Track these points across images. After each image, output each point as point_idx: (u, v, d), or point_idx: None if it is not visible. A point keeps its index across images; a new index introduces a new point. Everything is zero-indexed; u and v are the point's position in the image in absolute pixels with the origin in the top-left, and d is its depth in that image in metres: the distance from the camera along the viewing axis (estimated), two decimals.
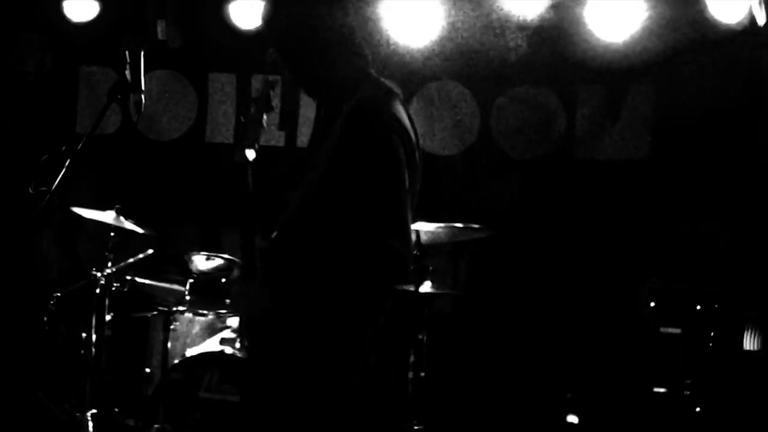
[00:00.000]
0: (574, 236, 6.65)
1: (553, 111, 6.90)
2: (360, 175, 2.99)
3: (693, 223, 6.49)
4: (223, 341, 5.38)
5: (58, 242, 7.03)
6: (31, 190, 3.34)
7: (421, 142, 3.22)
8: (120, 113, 6.82)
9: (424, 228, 5.47)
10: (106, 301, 5.68)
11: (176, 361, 5.43)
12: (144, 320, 5.82)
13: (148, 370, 5.69)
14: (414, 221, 3.16)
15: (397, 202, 2.99)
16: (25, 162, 6.70)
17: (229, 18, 6.82)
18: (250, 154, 3.17)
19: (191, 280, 5.70)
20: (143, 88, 3.37)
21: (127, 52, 3.37)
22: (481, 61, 6.83)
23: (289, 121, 7.03)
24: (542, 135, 6.91)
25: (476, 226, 5.75)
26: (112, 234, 5.78)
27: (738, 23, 6.25)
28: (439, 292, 5.77)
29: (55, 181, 3.25)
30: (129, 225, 5.81)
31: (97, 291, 5.67)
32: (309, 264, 3.03)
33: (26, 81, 7.12)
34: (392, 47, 6.70)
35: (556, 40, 6.68)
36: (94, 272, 5.70)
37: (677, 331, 5.81)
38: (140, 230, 5.89)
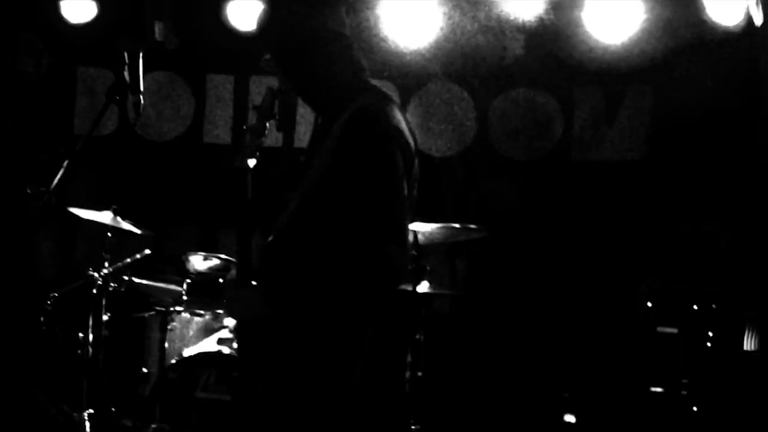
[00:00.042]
0: (572, 237, 6.66)
1: (550, 112, 6.91)
2: (358, 181, 2.99)
3: (690, 224, 6.50)
4: (220, 341, 5.38)
5: (55, 242, 7.03)
6: (29, 191, 3.34)
7: (418, 148, 3.22)
8: (117, 114, 6.83)
9: (421, 228, 5.48)
10: (103, 301, 5.67)
11: (173, 361, 5.42)
12: (141, 320, 5.81)
13: (145, 370, 5.68)
14: (412, 222, 3.16)
15: (394, 209, 3.00)
16: (23, 162, 6.71)
17: (226, 19, 6.82)
18: (251, 162, 3.18)
19: (188, 281, 5.69)
20: (142, 89, 3.36)
21: (125, 53, 3.36)
22: (479, 63, 6.84)
23: (286, 122, 7.01)
24: (540, 136, 6.92)
25: (474, 226, 5.77)
26: (109, 234, 5.78)
27: (735, 24, 6.26)
28: (436, 292, 5.79)
29: (53, 182, 3.24)
30: (126, 225, 5.81)
31: (94, 291, 5.66)
32: (305, 267, 3.03)
33: (24, 82, 7.11)
34: (390, 49, 6.70)
35: (553, 41, 6.69)
36: (91, 272, 5.69)
37: (674, 330, 5.82)
38: (137, 230, 5.89)
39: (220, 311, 5.63)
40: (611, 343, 6.33)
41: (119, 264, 5.79)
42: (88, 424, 5.47)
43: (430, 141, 6.97)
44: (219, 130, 7.19)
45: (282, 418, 3.03)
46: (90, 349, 5.61)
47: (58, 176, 3.25)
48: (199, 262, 5.80)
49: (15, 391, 5.74)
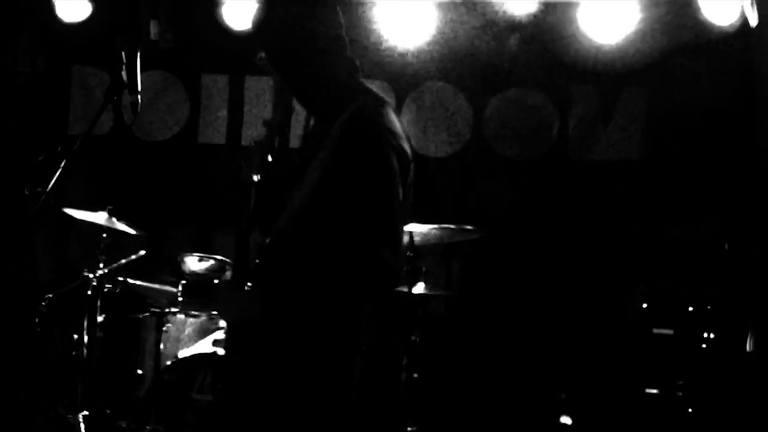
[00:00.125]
0: (568, 237, 6.66)
1: (546, 112, 6.91)
2: (355, 183, 2.98)
3: (686, 224, 6.51)
4: (215, 342, 5.37)
5: (50, 243, 7.01)
6: (27, 192, 3.32)
7: (414, 151, 3.21)
8: (112, 114, 6.81)
9: (417, 229, 5.47)
10: (98, 303, 5.65)
11: (169, 363, 5.41)
12: (136, 321, 5.79)
13: (140, 371, 5.66)
14: (408, 224, 3.16)
15: (389, 213, 2.99)
16: (18, 162, 6.68)
17: (221, 19, 6.80)
18: (256, 177, 3.16)
19: (184, 282, 5.69)
20: (140, 89, 3.35)
21: (123, 53, 3.34)
22: (474, 63, 6.84)
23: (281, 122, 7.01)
24: (536, 136, 6.92)
25: (469, 227, 5.76)
26: (104, 235, 5.76)
27: (730, 25, 6.27)
28: (432, 293, 5.78)
29: (50, 183, 3.22)
30: (121, 226, 5.79)
31: (89, 292, 5.64)
32: (302, 268, 3.02)
33: (19, 81, 7.09)
34: (386, 49, 6.69)
35: (549, 41, 6.69)
36: (86, 273, 5.67)
37: (670, 332, 5.82)
38: (132, 231, 5.87)
39: (216, 312, 5.62)
40: (607, 344, 6.34)
41: (114, 265, 5.77)
42: (83, 425, 5.44)
43: (426, 141, 6.96)
44: (214, 131, 7.17)
45: (277, 420, 3.02)
46: (85, 351, 5.59)
47: (55, 177, 3.23)
48: (194, 264, 5.79)
49: (10, 392, 5.71)
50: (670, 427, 5.72)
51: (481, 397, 6.53)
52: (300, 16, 3.13)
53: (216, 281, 5.69)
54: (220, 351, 5.23)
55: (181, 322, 5.64)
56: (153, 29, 6.65)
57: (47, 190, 3.23)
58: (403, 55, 6.79)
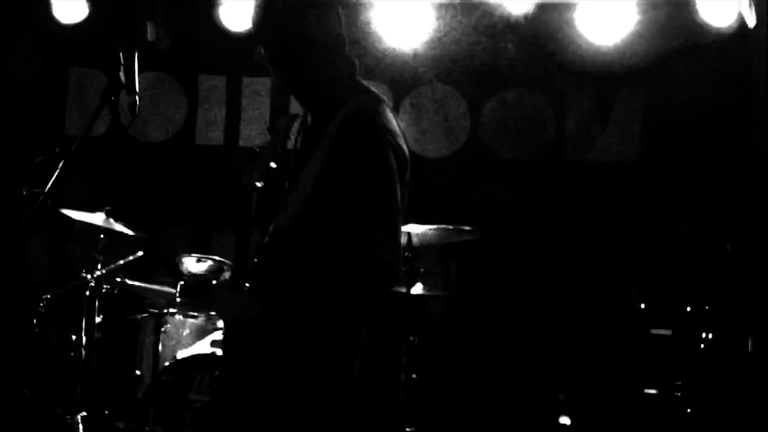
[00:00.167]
0: (566, 238, 6.66)
1: (543, 113, 6.91)
2: (353, 182, 2.98)
3: (683, 225, 6.51)
4: (213, 343, 5.36)
5: (47, 244, 7.00)
6: (25, 192, 3.31)
7: (411, 151, 3.21)
8: (109, 115, 6.80)
9: (415, 230, 5.47)
10: (96, 303, 5.64)
11: (167, 364, 5.41)
12: (134, 322, 5.79)
13: (138, 372, 5.65)
14: (405, 223, 3.16)
15: (388, 212, 2.99)
16: (15, 163, 6.67)
17: (218, 19, 6.79)
18: (259, 183, 3.16)
19: (182, 282, 5.68)
20: (138, 89, 3.34)
21: (120, 54, 3.33)
22: (472, 64, 6.83)
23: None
24: (533, 137, 6.92)
25: (467, 228, 5.76)
26: (102, 236, 5.75)
27: (728, 26, 6.27)
28: (430, 294, 5.78)
29: (47, 183, 3.22)
30: (119, 227, 5.78)
31: (87, 293, 5.64)
32: (299, 269, 3.02)
33: (16, 82, 7.08)
34: (383, 50, 6.69)
35: (546, 43, 6.69)
36: (84, 274, 5.66)
37: (668, 332, 5.82)
38: (130, 232, 5.86)
39: (214, 313, 5.61)
40: (606, 344, 6.33)
41: (112, 266, 5.77)
42: (81, 426, 5.44)
43: (424, 142, 6.96)
44: (211, 132, 7.17)
45: (277, 421, 3.02)
46: (83, 352, 5.58)
47: (54, 178, 3.22)
48: (192, 264, 5.79)
49: (8, 393, 5.70)
50: (668, 428, 5.72)
51: (480, 398, 6.52)
52: (301, 15, 3.13)
53: (214, 282, 5.68)
54: (219, 352, 5.21)
55: (180, 322, 5.63)
56: (150, 30, 6.64)
57: (45, 190, 3.22)
58: (400, 56, 6.78)
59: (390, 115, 3.13)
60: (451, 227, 5.73)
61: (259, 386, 3.04)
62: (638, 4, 6.43)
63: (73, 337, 5.69)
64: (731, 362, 5.69)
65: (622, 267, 6.51)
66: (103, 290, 5.69)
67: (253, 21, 3.24)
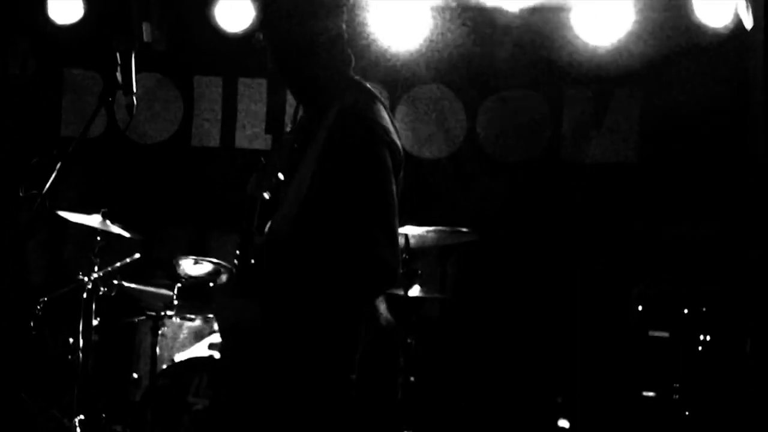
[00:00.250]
0: (563, 240, 6.66)
1: (540, 114, 6.91)
2: (348, 181, 2.97)
3: (681, 226, 6.51)
4: (211, 346, 5.34)
5: (44, 246, 6.98)
6: (21, 194, 3.30)
7: (405, 148, 3.21)
8: (105, 116, 6.77)
9: (412, 231, 5.46)
10: (93, 306, 5.62)
11: (164, 366, 5.39)
12: (131, 325, 5.77)
13: (135, 375, 5.64)
14: (402, 225, 3.15)
15: (385, 210, 2.98)
16: (11, 164, 6.66)
17: (214, 20, 6.77)
18: (266, 194, 3.14)
19: (179, 285, 5.66)
20: (135, 90, 3.33)
21: (118, 54, 3.32)
22: (468, 65, 6.83)
23: (275, 124, 7.01)
24: (529, 138, 6.92)
25: (464, 229, 5.75)
26: (98, 238, 5.73)
27: (725, 27, 6.27)
28: (427, 296, 5.76)
29: (44, 185, 3.20)
30: (115, 229, 5.76)
31: (84, 295, 5.62)
32: (298, 270, 3.00)
33: (10, 84, 7.06)
34: (380, 51, 6.68)
35: (542, 43, 6.69)
36: (81, 276, 5.64)
37: (666, 334, 5.81)
38: (127, 234, 5.84)
39: (211, 316, 5.60)
40: (604, 347, 6.33)
41: (109, 268, 5.75)
42: (78, 430, 5.42)
43: (420, 143, 6.95)
44: (207, 133, 7.15)
45: (275, 423, 3.00)
46: (80, 355, 5.56)
47: (51, 179, 3.21)
48: (189, 266, 5.77)
49: (5, 397, 5.68)
50: (666, 430, 5.71)
51: (478, 401, 6.51)
52: (306, 18, 3.13)
53: (212, 284, 5.66)
54: (216, 354, 5.21)
55: (177, 325, 5.62)
56: (146, 31, 6.62)
57: (43, 192, 3.21)
58: (397, 57, 6.78)
59: (383, 112, 3.12)
60: (448, 229, 5.73)
61: (258, 388, 3.03)
62: (635, 5, 6.43)
63: (70, 339, 5.67)
64: (729, 364, 5.68)
65: (622, 268, 6.50)
66: (100, 293, 5.67)
67: (260, 21, 3.24)
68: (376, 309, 3.18)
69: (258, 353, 3.03)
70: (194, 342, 5.56)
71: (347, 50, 3.23)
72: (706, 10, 6.29)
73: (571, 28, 6.57)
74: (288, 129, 3.31)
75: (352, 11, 6.40)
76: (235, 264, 3.20)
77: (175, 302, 5.61)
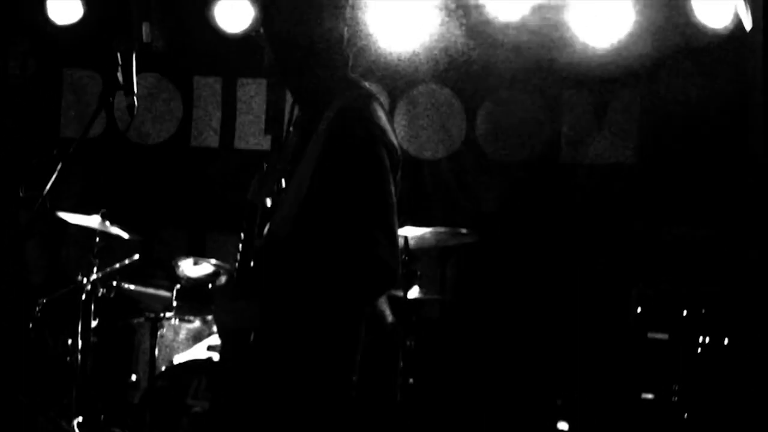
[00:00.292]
0: (562, 241, 6.65)
1: (539, 115, 6.91)
2: (347, 182, 2.96)
3: (680, 228, 6.50)
4: (210, 348, 5.34)
5: (43, 247, 6.97)
6: (22, 195, 3.29)
7: (402, 148, 3.20)
8: (104, 116, 6.75)
9: (411, 233, 5.45)
10: (92, 307, 5.61)
11: (163, 368, 5.38)
12: (130, 327, 5.76)
13: (134, 377, 5.64)
14: (401, 226, 3.14)
15: (384, 211, 2.97)
16: (11, 165, 6.65)
17: (213, 20, 6.77)
18: (269, 200, 3.13)
19: (178, 286, 5.65)
20: (135, 90, 3.32)
21: (118, 54, 3.31)
22: (468, 66, 6.82)
23: (274, 125, 6.99)
24: (528, 139, 6.91)
25: (464, 230, 5.75)
26: (98, 239, 5.72)
27: (724, 28, 6.27)
28: (427, 297, 5.76)
29: (44, 186, 3.19)
30: (114, 230, 5.75)
31: (83, 297, 5.61)
32: (297, 271, 2.99)
33: (10, 84, 7.05)
34: (379, 51, 6.68)
35: (542, 44, 6.68)
36: (80, 278, 5.63)
37: (665, 336, 5.81)
38: (126, 235, 5.83)
39: (211, 317, 5.59)
40: (603, 348, 6.32)
41: (108, 269, 5.73)
42: (77, 431, 5.41)
43: (419, 144, 6.95)
44: (207, 134, 7.14)
45: (275, 426, 3.00)
46: (79, 356, 5.55)
47: (51, 180, 3.20)
48: (188, 267, 5.75)
49: (4, 398, 5.67)
50: None
51: (477, 402, 6.50)
52: (309, 20, 3.12)
53: (211, 286, 5.66)
54: (216, 356, 5.20)
55: (176, 327, 5.61)
56: (145, 31, 6.61)
57: (43, 193, 3.20)
58: (396, 57, 6.77)
59: (380, 112, 3.11)
60: (447, 230, 5.72)
61: (257, 390, 3.02)
62: (634, 6, 6.43)
63: (69, 341, 5.66)
64: (729, 366, 5.68)
65: (622, 268, 6.49)
66: (99, 294, 5.66)
67: (263, 22, 3.23)
68: (380, 310, 3.17)
69: (257, 355, 3.02)
70: (193, 344, 5.56)
71: (347, 50, 3.22)
72: (706, 11, 6.29)
73: (570, 29, 6.57)
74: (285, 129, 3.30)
75: (352, 11, 6.44)
76: (235, 266, 3.19)
77: (174, 304, 5.60)
